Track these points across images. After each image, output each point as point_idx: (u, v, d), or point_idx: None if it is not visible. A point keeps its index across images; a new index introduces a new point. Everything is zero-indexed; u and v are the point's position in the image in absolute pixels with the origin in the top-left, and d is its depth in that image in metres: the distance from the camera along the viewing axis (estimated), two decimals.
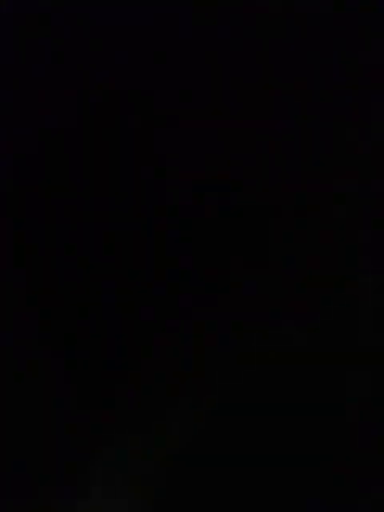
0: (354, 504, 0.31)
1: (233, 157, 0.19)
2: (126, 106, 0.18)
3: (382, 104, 0.20)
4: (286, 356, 0.29)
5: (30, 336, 0.21)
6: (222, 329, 0.24)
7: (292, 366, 0.30)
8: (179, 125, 0.18)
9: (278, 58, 0.18)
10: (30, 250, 0.19)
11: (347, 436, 0.31)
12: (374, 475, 0.30)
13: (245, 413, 0.32)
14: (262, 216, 0.21)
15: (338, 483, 0.31)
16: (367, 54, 0.19)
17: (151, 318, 0.22)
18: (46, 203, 0.18)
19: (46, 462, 0.23)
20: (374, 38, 0.19)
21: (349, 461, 0.31)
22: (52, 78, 0.17)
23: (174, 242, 0.20)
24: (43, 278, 0.20)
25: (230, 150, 0.19)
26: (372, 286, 0.27)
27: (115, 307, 0.21)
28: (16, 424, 0.21)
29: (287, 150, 0.19)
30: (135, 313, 0.22)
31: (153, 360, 0.23)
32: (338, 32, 0.18)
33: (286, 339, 0.27)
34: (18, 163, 0.18)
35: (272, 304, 0.25)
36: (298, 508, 0.30)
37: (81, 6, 0.17)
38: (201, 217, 0.20)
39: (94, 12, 0.17)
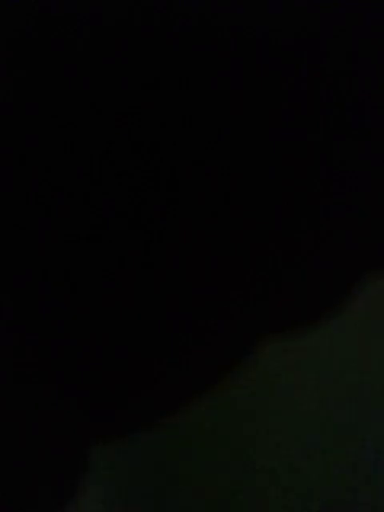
0: None
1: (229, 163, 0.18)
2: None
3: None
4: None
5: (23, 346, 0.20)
6: (224, 335, 0.24)
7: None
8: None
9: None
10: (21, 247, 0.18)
11: None
12: None
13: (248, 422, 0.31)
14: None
15: None
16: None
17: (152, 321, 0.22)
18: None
19: (44, 465, 0.22)
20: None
21: None
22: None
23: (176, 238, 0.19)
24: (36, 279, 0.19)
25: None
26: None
27: (115, 311, 0.21)
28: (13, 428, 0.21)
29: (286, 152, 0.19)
30: (136, 314, 0.21)
31: (153, 364, 0.23)
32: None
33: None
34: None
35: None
36: None
37: None
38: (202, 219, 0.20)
39: None
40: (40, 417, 0.22)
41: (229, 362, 0.25)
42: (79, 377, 0.22)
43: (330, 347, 0.31)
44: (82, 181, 0.20)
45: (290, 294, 0.24)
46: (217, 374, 0.25)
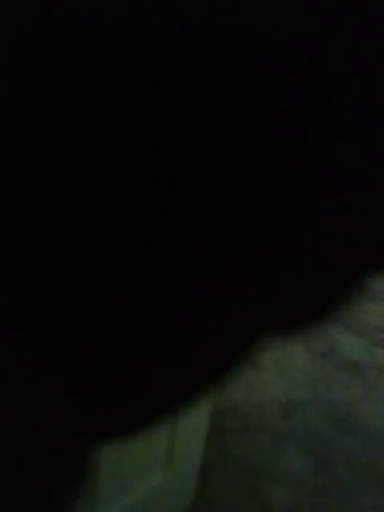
0: None
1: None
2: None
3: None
4: None
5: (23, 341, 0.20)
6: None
7: None
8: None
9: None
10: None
11: None
12: None
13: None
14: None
15: None
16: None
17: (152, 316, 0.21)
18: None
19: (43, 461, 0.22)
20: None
21: None
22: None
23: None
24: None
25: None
26: None
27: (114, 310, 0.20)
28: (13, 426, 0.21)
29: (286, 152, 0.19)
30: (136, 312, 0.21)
31: (153, 361, 0.23)
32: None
33: None
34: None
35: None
36: None
37: None
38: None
39: None
40: (40, 417, 0.22)
41: (229, 362, 0.25)
42: (79, 377, 0.22)
43: None
44: (82, 181, 0.20)
45: (290, 294, 0.24)
46: (217, 374, 0.25)
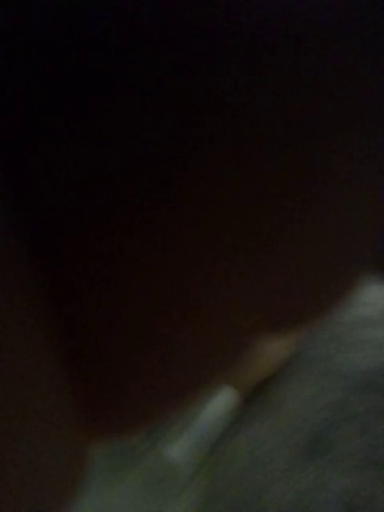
0: None
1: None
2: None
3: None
4: None
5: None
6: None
7: None
8: None
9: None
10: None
11: None
12: None
13: None
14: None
15: None
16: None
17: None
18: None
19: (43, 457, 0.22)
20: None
21: None
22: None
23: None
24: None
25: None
26: None
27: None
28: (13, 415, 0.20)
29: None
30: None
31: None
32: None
33: None
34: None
35: None
36: None
37: None
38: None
39: None
40: (40, 416, 0.22)
41: (227, 361, 0.25)
42: (79, 375, 0.22)
43: None
44: (81, 180, 0.20)
45: (289, 294, 0.24)
46: (216, 372, 0.25)
